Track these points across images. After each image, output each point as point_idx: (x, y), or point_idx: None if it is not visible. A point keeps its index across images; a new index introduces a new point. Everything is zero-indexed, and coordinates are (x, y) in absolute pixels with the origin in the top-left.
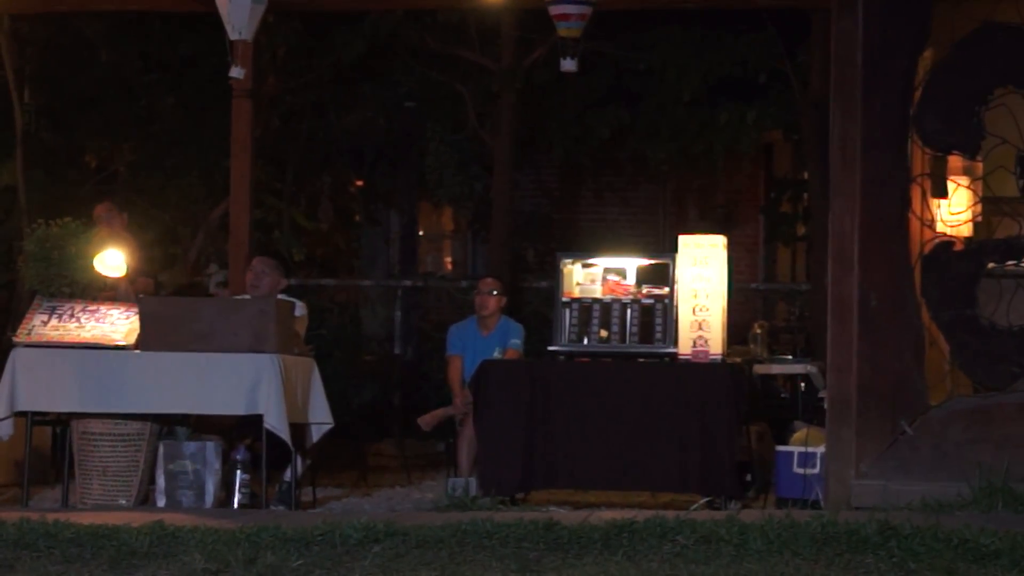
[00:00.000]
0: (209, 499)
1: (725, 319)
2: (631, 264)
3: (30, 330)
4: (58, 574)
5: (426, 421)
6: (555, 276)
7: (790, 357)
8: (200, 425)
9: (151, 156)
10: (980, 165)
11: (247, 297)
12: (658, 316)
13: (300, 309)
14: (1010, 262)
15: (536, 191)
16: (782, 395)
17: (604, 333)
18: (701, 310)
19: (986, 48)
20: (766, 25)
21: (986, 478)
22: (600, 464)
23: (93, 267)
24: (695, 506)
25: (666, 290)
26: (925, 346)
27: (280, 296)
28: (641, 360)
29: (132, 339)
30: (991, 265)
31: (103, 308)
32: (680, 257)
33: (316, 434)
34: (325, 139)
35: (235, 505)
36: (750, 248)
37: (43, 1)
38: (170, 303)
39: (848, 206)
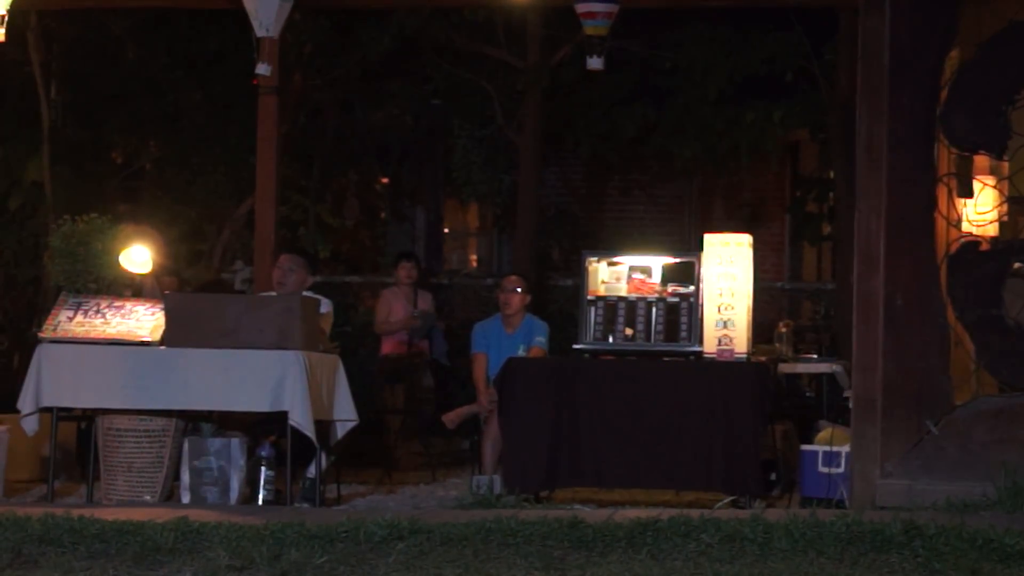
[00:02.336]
0: (234, 495)
1: (750, 318)
2: (656, 262)
3: (56, 326)
4: (83, 569)
5: (451, 419)
6: (580, 274)
7: (815, 356)
8: (225, 421)
9: (177, 152)
10: (1006, 165)
11: (273, 294)
12: (683, 314)
13: (326, 306)
14: None
15: (562, 188)
16: (807, 394)
17: (629, 331)
18: (726, 309)
19: (1014, 47)
20: (793, 24)
21: (1011, 478)
22: (625, 462)
23: (119, 263)
24: (719, 505)
25: (691, 288)
26: (951, 346)
27: (306, 293)
28: (666, 359)
29: (157, 335)
30: (1017, 265)
31: (129, 304)
32: (706, 255)
33: (341, 431)
34: (351, 136)
35: (259, 502)
36: (776, 247)
37: None
38: (195, 299)
39: (874, 205)
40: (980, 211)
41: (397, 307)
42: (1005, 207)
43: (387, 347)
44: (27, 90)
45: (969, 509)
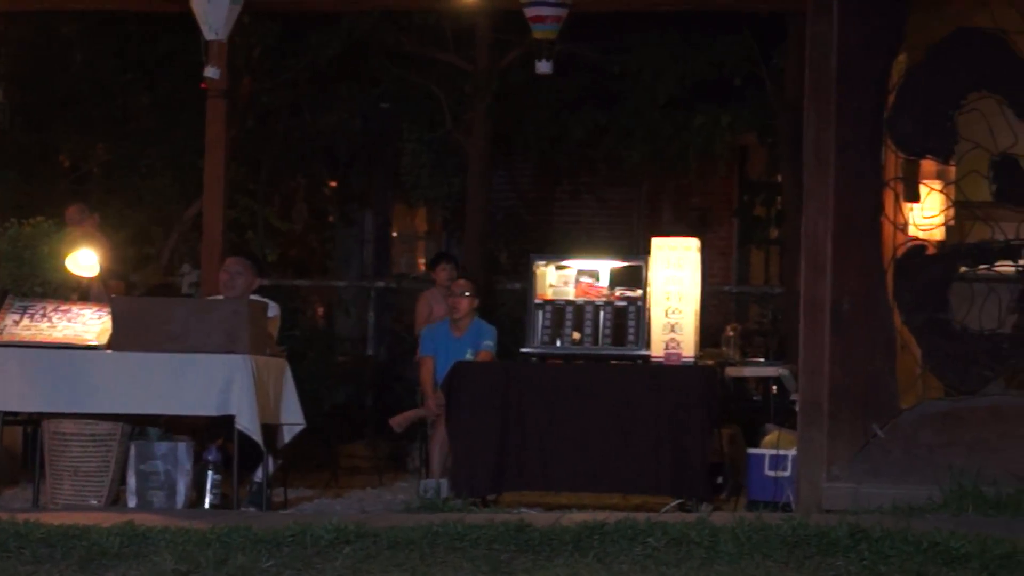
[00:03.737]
0: (180, 500)
1: (698, 321)
2: (604, 266)
3: (1, 329)
4: (28, 575)
5: (398, 422)
6: (528, 278)
7: (762, 360)
8: (172, 425)
9: (125, 156)
10: (953, 169)
11: (220, 298)
12: (631, 318)
13: (273, 310)
14: (982, 266)
15: (511, 192)
16: (754, 398)
17: (577, 335)
18: (674, 312)
19: (960, 53)
20: (742, 29)
21: (957, 481)
22: (572, 466)
23: (65, 267)
24: (666, 508)
25: (639, 292)
26: (897, 349)
27: (253, 297)
28: (613, 362)
29: (104, 339)
30: (963, 269)
31: (75, 308)
32: (654, 259)
33: (288, 435)
34: (300, 140)
35: (206, 505)
36: (723, 251)
37: (19, 1)
38: (142, 303)
39: (821, 209)
40: (927, 215)
41: (438, 308)
42: (952, 211)
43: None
44: None
45: (915, 512)
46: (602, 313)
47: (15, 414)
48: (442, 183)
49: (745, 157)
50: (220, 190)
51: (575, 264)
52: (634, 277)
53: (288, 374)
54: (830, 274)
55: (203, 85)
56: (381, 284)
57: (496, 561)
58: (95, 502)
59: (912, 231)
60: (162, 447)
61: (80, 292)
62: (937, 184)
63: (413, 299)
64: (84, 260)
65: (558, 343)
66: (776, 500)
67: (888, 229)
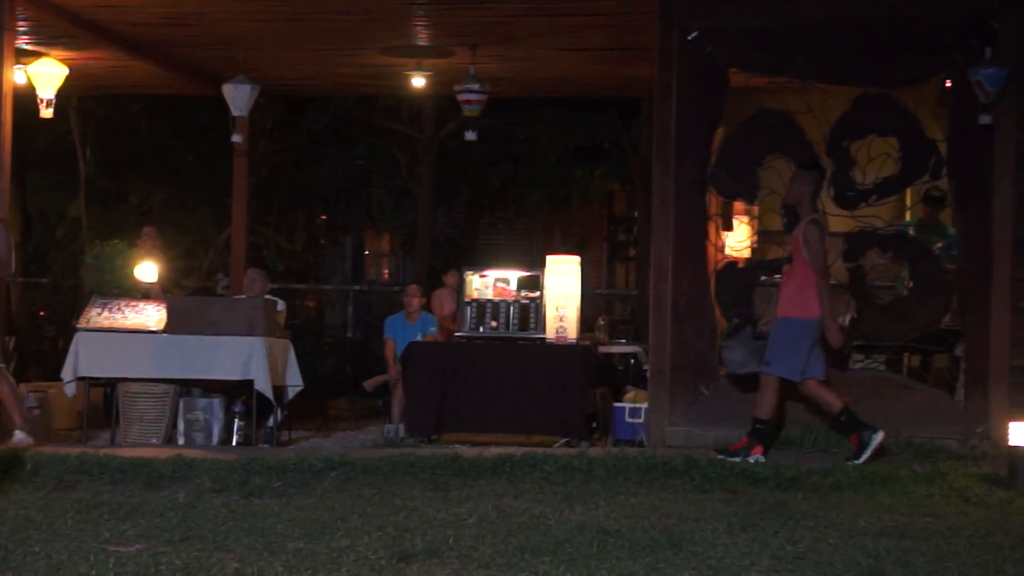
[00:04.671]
0: (215, 439)
1: (579, 314)
2: (513, 275)
3: (88, 319)
4: (107, 492)
5: (369, 384)
6: (461, 283)
7: (624, 341)
8: (209, 387)
9: (176, 196)
10: (756, 208)
11: (244, 296)
12: (532, 312)
13: (281, 305)
14: (776, 276)
15: (448, 223)
16: (618, 368)
17: (495, 323)
18: (562, 308)
19: (761, 127)
20: (608, 109)
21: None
22: (491, 415)
23: (133, 275)
24: (557, 444)
25: (538, 294)
26: (717, 334)
27: (267, 296)
28: (520, 342)
29: (161, 326)
30: (763, 278)
31: (140, 304)
32: (548, 271)
33: (291, 393)
34: (300, 186)
35: (233, 443)
36: (596, 264)
37: (102, 87)
38: (189, 300)
39: (664, 236)
40: (738, 240)
41: (448, 304)
42: (755, 238)
43: (441, 334)
44: (70, 152)
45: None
46: (511, 308)
47: (98, 379)
48: (400, 217)
49: (612, 199)
50: (243, 221)
51: (493, 274)
52: (534, 283)
53: (291, 350)
54: (671, 281)
55: (233, 147)
56: (357, 287)
57: (438, 482)
58: (154, 441)
59: (728, 251)
60: (202, 402)
61: (144, 293)
62: (745, 218)
63: (380, 298)
64: (146, 270)
65: (481, 329)
66: (633, 439)
67: (711, 250)
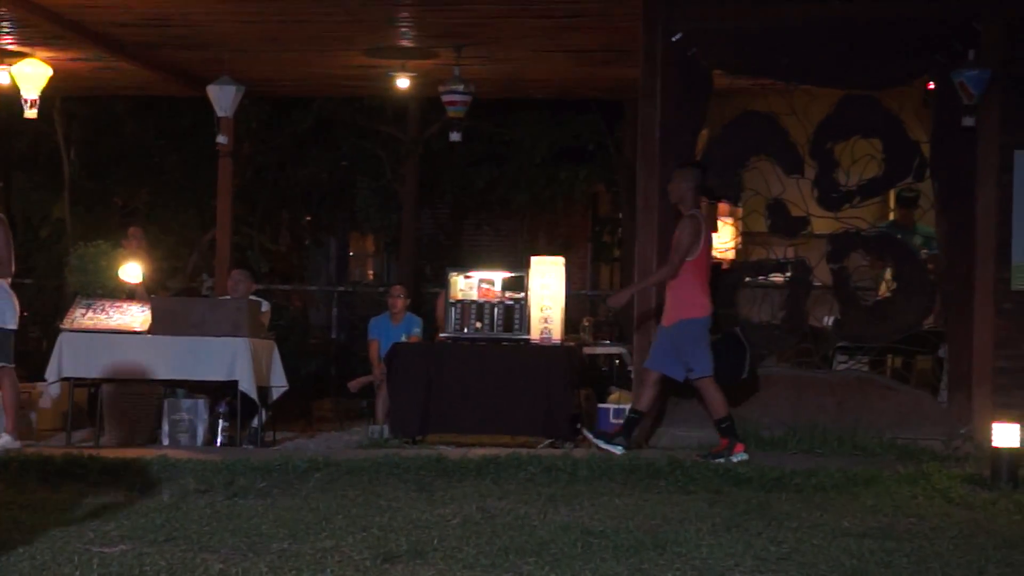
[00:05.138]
0: (199, 440)
1: (563, 315)
2: (498, 276)
3: (72, 320)
4: (92, 493)
5: (354, 385)
6: (445, 284)
7: (608, 342)
8: (193, 387)
9: (161, 197)
10: (740, 210)
11: (228, 298)
12: (516, 313)
13: (265, 306)
14: (760, 277)
15: (433, 225)
16: (603, 369)
17: (479, 324)
18: (546, 309)
19: (745, 129)
20: (592, 110)
21: (742, 427)
22: (475, 415)
23: (118, 276)
24: (541, 445)
25: (522, 295)
26: None
27: (251, 297)
28: (504, 343)
29: (146, 327)
30: (747, 279)
31: (125, 304)
32: (532, 272)
33: (276, 394)
34: (285, 187)
35: (218, 444)
36: (581, 265)
37: (86, 87)
38: (173, 301)
39: (649, 237)
40: (723, 241)
41: None
42: (739, 239)
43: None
44: (54, 153)
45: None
46: (496, 309)
47: (82, 379)
48: (384, 218)
49: (596, 200)
50: (228, 222)
51: (477, 275)
52: (519, 284)
53: (276, 351)
54: None
55: (216, 147)
56: (341, 288)
57: (422, 483)
58: (139, 442)
59: (712, 253)
60: (186, 402)
61: (128, 294)
62: (729, 220)
63: (365, 299)
64: (131, 271)
65: (466, 330)
66: None
67: None
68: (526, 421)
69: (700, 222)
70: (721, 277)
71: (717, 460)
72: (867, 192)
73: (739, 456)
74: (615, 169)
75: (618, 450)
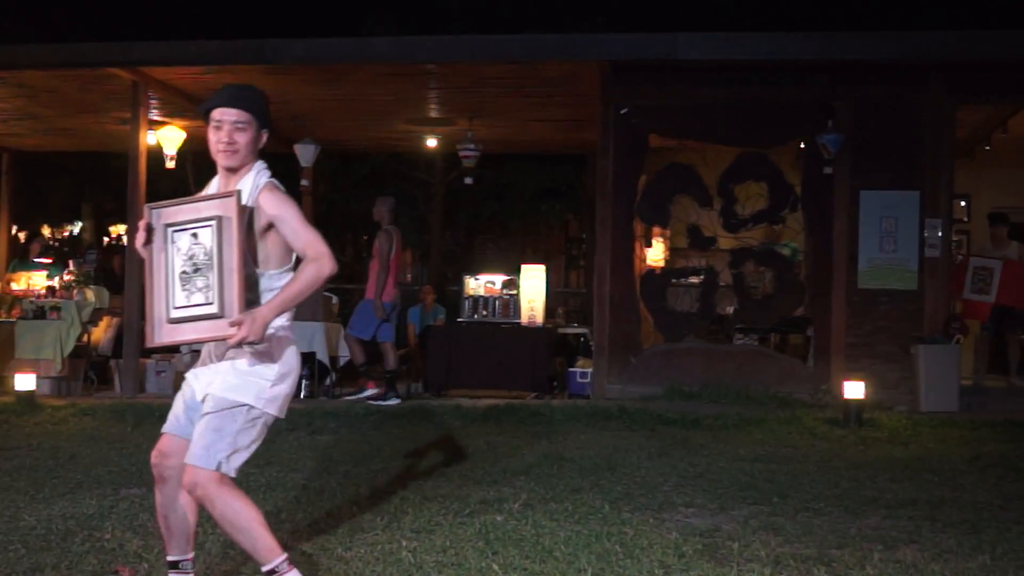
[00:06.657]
0: None
1: (544, 305)
2: (498, 279)
3: None
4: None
5: (398, 355)
6: (461, 284)
7: (576, 325)
8: None
9: None
10: (669, 232)
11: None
12: (511, 304)
13: (335, 300)
14: (682, 279)
15: (453, 243)
16: (572, 343)
17: (485, 312)
18: (532, 301)
19: (671, 175)
20: (566, 161)
21: (670, 385)
22: (483, 376)
23: None
24: (529, 397)
25: (515, 292)
26: (641, 320)
27: (325, 293)
28: (503, 325)
29: None
30: (673, 281)
31: None
32: (523, 276)
33: (341, 362)
34: (349, 217)
35: (301, 397)
36: (557, 271)
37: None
38: None
39: (604, 251)
40: (655, 255)
41: None
42: (668, 252)
43: None
44: (187, 194)
45: (651, 400)
46: (497, 301)
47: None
48: (419, 238)
49: (567, 226)
50: None
51: (484, 277)
52: (513, 284)
53: (342, 332)
54: (609, 283)
55: (301, 189)
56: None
57: (445, 425)
58: None
59: (649, 262)
60: None
61: None
62: (661, 238)
63: (404, 295)
64: None
65: (476, 316)
66: (583, 394)
67: (637, 261)
68: (518, 380)
69: (391, 236)
70: (655, 279)
71: (363, 396)
72: (757, 220)
73: (369, 392)
74: (581, 203)
75: (394, 402)
